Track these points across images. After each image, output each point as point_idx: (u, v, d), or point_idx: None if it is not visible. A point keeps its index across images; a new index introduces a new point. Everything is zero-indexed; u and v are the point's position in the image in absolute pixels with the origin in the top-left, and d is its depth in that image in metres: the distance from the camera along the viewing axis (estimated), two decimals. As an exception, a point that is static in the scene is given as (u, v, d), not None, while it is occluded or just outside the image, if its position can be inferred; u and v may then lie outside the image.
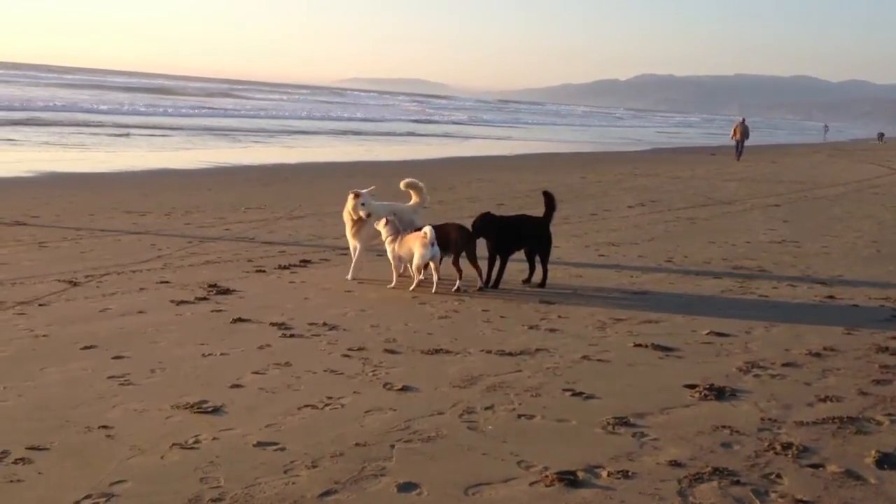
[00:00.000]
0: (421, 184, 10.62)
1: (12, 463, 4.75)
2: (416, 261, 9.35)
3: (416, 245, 9.27)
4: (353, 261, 10.11)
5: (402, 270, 9.73)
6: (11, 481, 4.53)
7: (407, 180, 10.68)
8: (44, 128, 36.31)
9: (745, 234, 15.48)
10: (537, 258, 10.10)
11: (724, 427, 5.66)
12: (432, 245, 9.21)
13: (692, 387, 6.48)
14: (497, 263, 9.87)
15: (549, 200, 10.19)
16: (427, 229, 9.27)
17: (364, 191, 9.99)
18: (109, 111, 47.53)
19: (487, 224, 9.85)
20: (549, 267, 10.12)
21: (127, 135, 35.59)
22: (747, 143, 43.82)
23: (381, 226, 9.66)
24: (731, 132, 44.38)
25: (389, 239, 9.56)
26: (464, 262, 9.59)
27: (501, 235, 9.84)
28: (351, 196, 9.94)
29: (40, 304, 8.36)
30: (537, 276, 10.09)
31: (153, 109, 52.21)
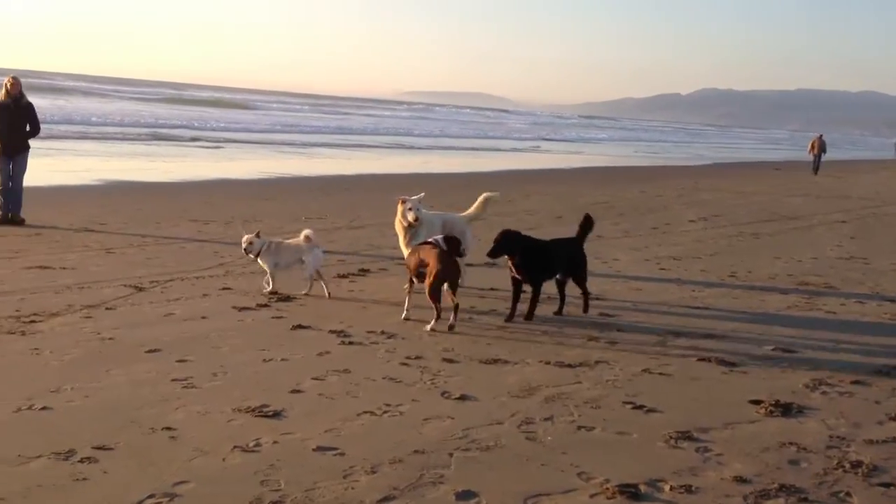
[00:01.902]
0: (492, 196, 10.64)
1: (78, 462, 4.83)
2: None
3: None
4: None
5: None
6: (77, 479, 4.61)
7: (486, 195, 10.62)
8: (113, 139, 37.18)
9: (811, 249, 15.16)
10: (568, 286, 9.22)
11: (790, 444, 5.53)
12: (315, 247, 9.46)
13: (757, 402, 6.34)
14: (514, 291, 8.86)
15: (586, 222, 9.50)
16: (307, 231, 9.54)
17: (413, 197, 9.97)
18: (179, 124, 48.49)
19: (510, 241, 8.84)
20: (606, 280, 9.98)
21: (194, 145, 36.29)
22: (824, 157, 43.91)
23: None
24: (809, 146, 44.81)
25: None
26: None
27: (528, 256, 8.79)
28: (399, 202, 9.93)
29: (107, 308, 8.54)
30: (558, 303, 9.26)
31: (216, 122, 53.10)
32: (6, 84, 14.40)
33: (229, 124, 51.95)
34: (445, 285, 8.28)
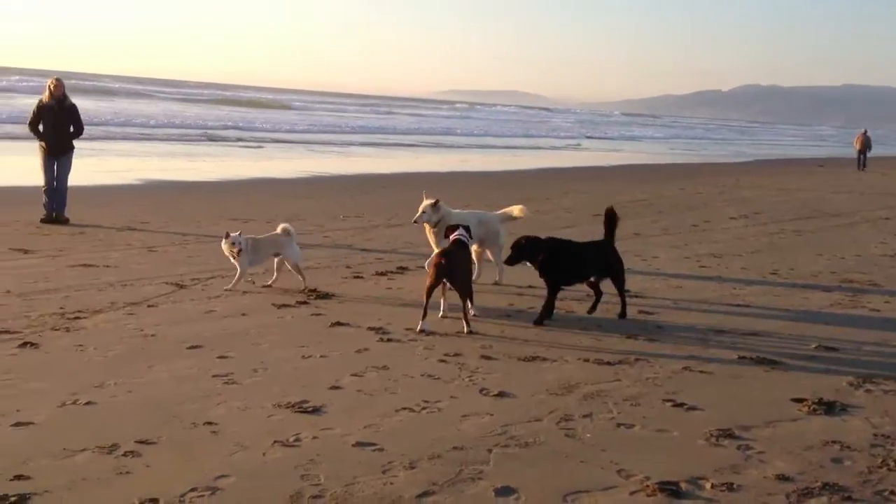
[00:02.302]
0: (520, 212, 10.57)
1: (122, 455, 4.90)
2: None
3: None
4: None
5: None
6: (120, 473, 4.68)
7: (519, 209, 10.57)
8: (155, 140, 37.65)
9: (854, 247, 14.93)
10: (602, 285, 8.97)
11: (834, 442, 5.46)
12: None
13: (800, 401, 6.26)
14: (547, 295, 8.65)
15: (609, 219, 9.02)
16: (284, 224, 9.72)
17: (425, 202, 10.02)
18: (222, 125, 48.91)
19: (527, 248, 8.64)
20: (645, 278, 9.87)
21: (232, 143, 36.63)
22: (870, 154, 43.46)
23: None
24: (854, 142, 44.36)
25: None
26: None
27: (551, 259, 8.56)
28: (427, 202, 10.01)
29: (149, 306, 8.65)
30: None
31: (259, 122, 53.48)
32: (49, 85, 14.60)
33: (274, 125, 52.31)
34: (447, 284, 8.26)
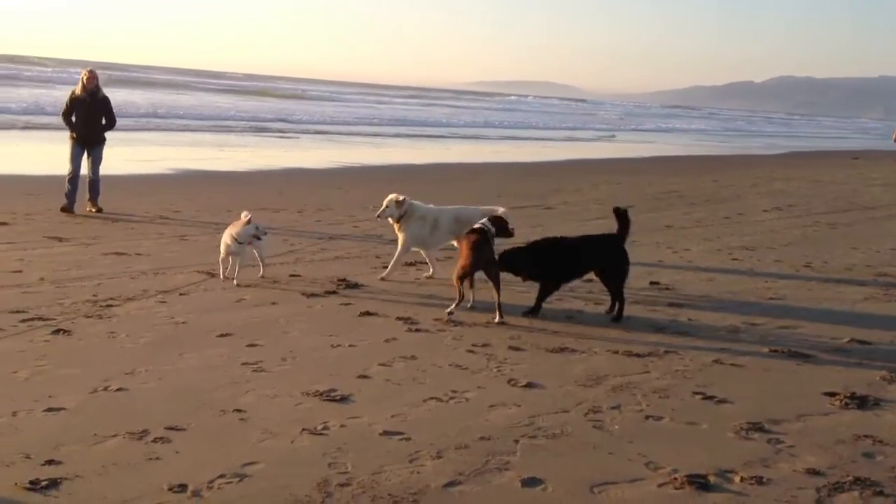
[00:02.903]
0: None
1: (152, 442, 4.96)
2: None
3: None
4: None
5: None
6: (150, 459, 4.74)
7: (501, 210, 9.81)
8: (185, 131, 37.91)
9: (890, 240, 14.70)
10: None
11: (866, 437, 5.39)
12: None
13: (832, 395, 6.20)
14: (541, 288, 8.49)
15: (622, 217, 8.60)
16: (243, 214, 9.47)
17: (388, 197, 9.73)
18: (247, 117, 49.15)
19: (513, 262, 8.50)
20: (676, 271, 9.74)
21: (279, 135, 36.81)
22: None
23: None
24: (894, 135, 43.48)
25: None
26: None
27: (541, 262, 8.41)
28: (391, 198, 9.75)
29: (180, 294, 8.73)
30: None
31: (294, 114, 53.68)
32: (83, 77, 14.58)
33: (311, 116, 52.46)
34: (482, 274, 8.23)
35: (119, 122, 15.35)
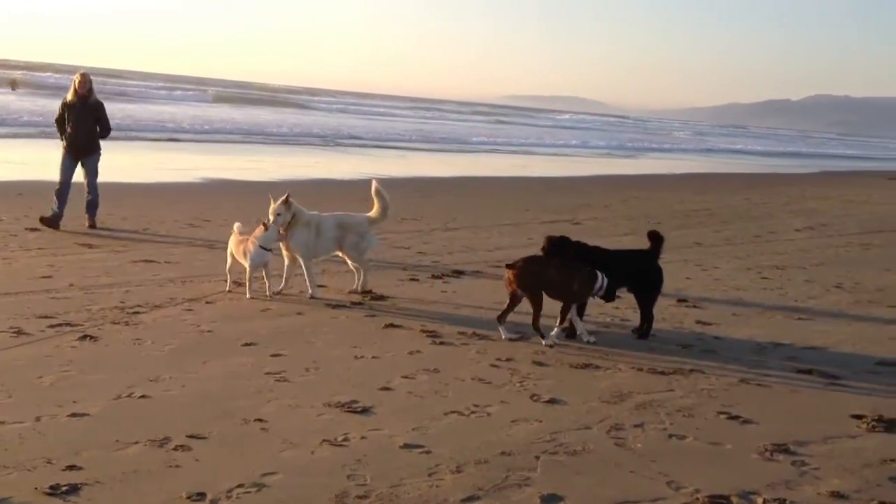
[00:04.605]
0: (385, 195, 9.91)
1: (172, 449, 4.98)
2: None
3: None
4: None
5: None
6: (170, 466, 4.75)
7: (375, 186, 9.89)
8: (214, 142, 38.27)
9: (924, 262, 14.49)
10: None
11: (892, 461, 5.31)
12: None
13: (859, 417, 6.10)
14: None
15: (655, 237, 8.39)
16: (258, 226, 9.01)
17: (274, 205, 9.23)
18: (273, 130, 49.48)
19: (560, 248, 8.21)
20: (704, 288, 9.59)
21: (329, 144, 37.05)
22: None
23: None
24: None
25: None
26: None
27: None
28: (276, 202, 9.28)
29: (207, 302, 8.78)
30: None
31: (326, 127, 54.04)
32: (74, 81, 13.58)
33: (337, 128, 52.70)
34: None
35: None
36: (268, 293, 9.18)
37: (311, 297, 9.23)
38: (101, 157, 13.68)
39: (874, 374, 7.37)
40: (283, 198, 9.23)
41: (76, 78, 13.68)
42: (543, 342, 7.72)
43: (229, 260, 9.40)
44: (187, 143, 33.83)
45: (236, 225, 9.49)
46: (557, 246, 8.19)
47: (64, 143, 13.51)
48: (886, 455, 5.40)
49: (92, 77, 14.02)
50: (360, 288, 9.64)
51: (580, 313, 8.10)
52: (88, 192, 13.34)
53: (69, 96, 13.54)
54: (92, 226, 13.18)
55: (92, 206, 13.31)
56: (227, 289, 9.34)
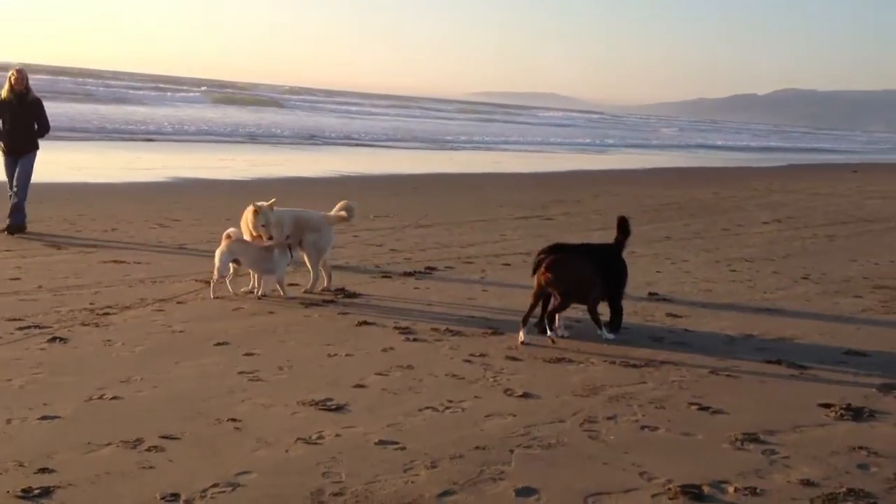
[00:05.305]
0: (353, 205, 10.02)
1: (146, 450, 4.95)
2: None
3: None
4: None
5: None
6: (144, 467, 4.73)
7: (343, 203, 10.00)
8: (189, 142, 37.98)
9: (889, 252, 14.71)
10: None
11: (861, 448, 5.39)
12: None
13: (827, 406, 6.19)
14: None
15: (623, 224, 8.42)
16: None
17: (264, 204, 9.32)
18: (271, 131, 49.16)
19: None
20: (674, 282, 9.72)
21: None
22: None
23: None
24: None
25: None
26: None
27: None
28: (251, 212, 9.34)
29: (178, 302, 8.73)
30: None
31: (288, 125, 53.77)
32: (10, 78, 12.75)
33: (301, 126, 52.45)
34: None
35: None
36: (284, 293, 9.13)
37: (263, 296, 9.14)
38: (42, 157, 13.12)
39: (842, 363, 7.48)
40: (266, 204, 9.26)
41: (12, 73, 12.81)
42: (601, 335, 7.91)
43: (228, 266, 9.15)
44: (161, 143, 33.58)
45: (232, 231, 9.27)
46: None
47: (1, 143, 12.78)
48: (854, 443, 5.49)
49: (39, 75, 13.68)
50: (312, 288, 9.55)
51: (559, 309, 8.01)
52: (16, 194, 12.50)
53: (3, 93, 12.74)
54: (10, 232, 12.24)
55: (16, 210, 12.44)
56: (230, 291, 9.17)
